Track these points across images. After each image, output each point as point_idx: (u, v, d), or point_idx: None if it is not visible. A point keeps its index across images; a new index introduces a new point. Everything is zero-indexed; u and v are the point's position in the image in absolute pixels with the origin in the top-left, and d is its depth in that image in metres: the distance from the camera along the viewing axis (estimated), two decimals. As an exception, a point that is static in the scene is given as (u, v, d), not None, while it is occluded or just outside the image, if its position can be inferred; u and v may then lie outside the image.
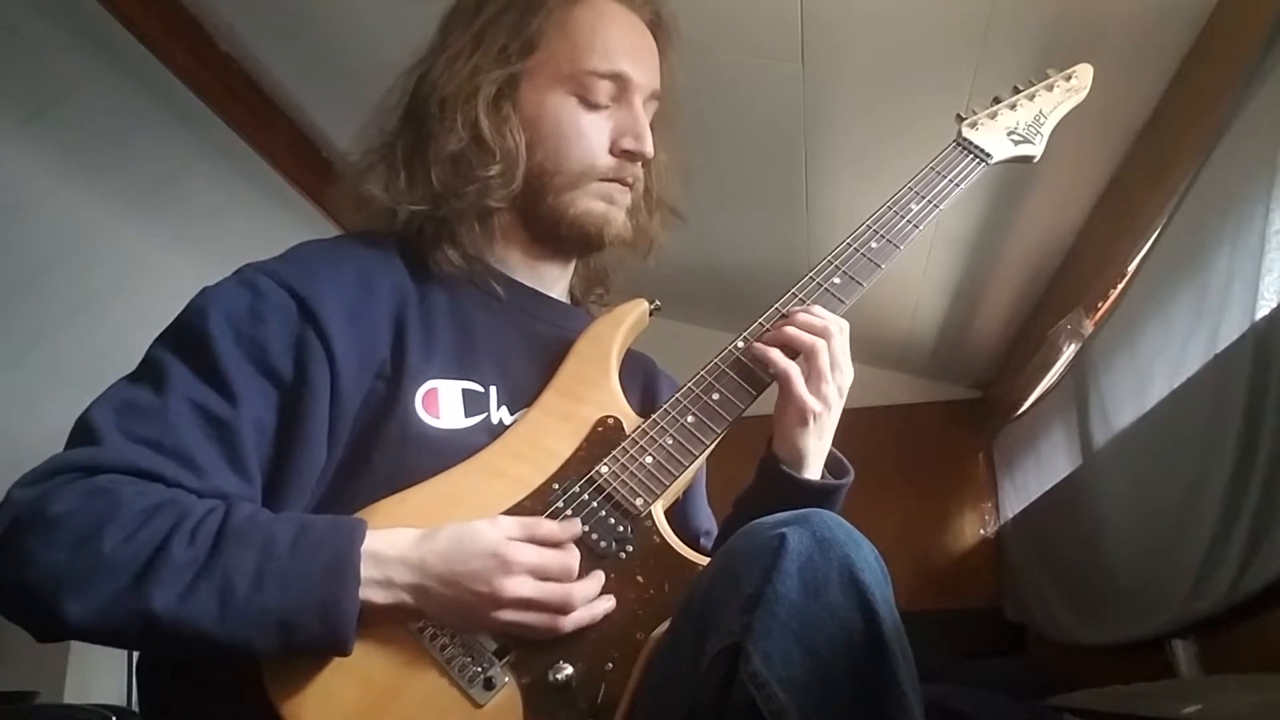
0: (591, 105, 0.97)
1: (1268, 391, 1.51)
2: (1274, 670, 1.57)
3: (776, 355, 0.92)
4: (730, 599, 0.66)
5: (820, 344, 0.91)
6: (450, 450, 0.85)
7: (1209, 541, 1.69)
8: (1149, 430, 2.07)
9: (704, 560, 0.81)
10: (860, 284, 0.98)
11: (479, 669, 0.76)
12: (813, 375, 0.92)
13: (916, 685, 0.63)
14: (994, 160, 1.09)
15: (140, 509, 0.72)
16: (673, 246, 1.10)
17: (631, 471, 0.86)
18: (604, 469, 0.86)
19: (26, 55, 2.19)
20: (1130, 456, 2.18)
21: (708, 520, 1.09)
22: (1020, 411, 3.24)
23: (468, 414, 0.89)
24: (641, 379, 1.07)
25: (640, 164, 1.00)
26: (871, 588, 0.64)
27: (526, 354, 0.96)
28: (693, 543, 0.93)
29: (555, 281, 1.04)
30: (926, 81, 2.05)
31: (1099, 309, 2.50)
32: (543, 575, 0.77)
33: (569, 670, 0.76)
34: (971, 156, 1.08)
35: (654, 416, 0.89)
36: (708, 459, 0.93)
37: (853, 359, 0.94)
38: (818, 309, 0.94)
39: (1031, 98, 1.15)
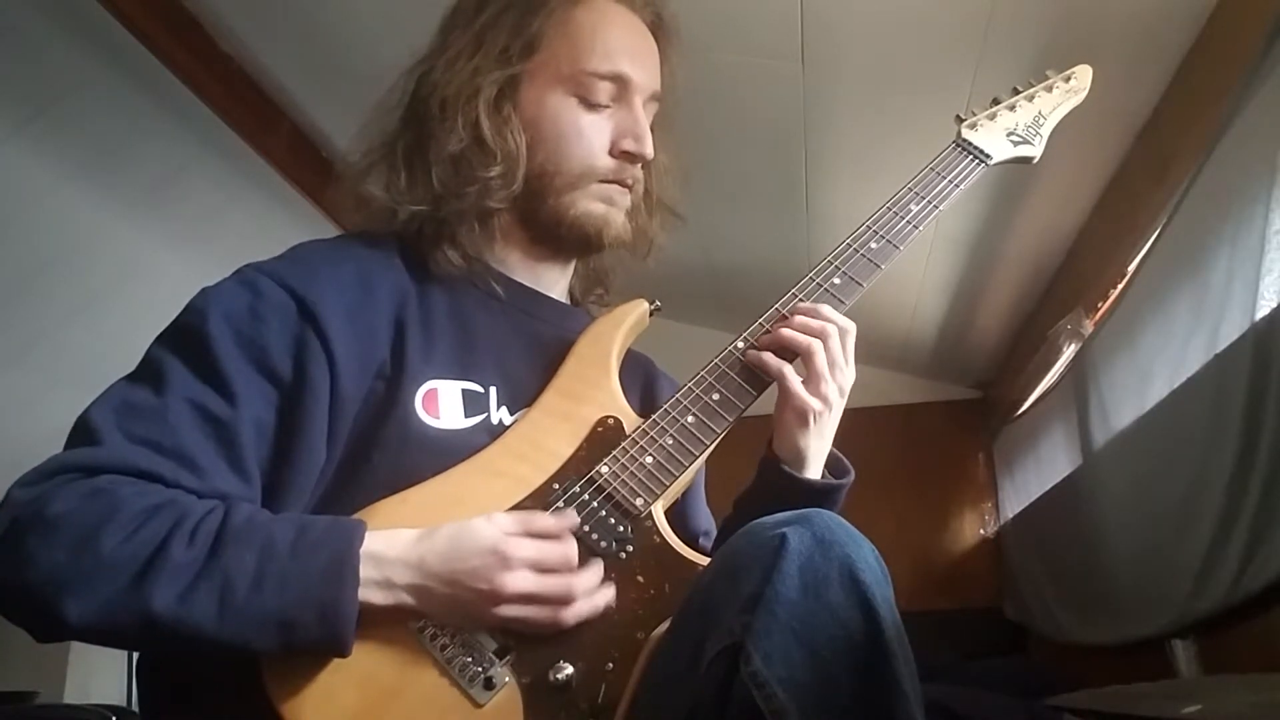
0: (592, 106, 0.97)
1: (1268, 391, 1.51)
2: (1274, 670, 1.57)
3: (770, 359, 0.92)
4: (730, 599, 0.66)
5: (816, 344, 0.91)
6: (450, 450, 0.85)
7: (1209, 541, 1.69)
8: (1149, 430, 2.07)
9: (704, 560, 0.81)
10: (860, 284, 0.98)
11: (479, 669, 0.76)
12: (811, 375, 0.92)
13: (916, 685, 0.64)
14: (993, 161, 1.09)
15: (140, 509, 0.72)
16: (672, 247, 1.10)
17: (631, 471, 0.86)
18: (604, 469, 0.86)
19: (26, 55, 2.19)
20: (1130, 456, 2.18)
21: (707, 520, 1.09)
22: (1020, 411, 3.24)
23: (468, 414, 0.89)
24: (641, 379, 1.07)
25: (640, 165, 1.00)
26: (872, 587, 0.64)
27: (526, 354, 0.96)
28: (692, 543, 0.93)
29: (555, 282, 1.04)
30: (926, 81, 2.05)
31: (1099, 309, 2.51)
32: (542, 568, 0.77)
33: (569, 670, 0.76)
34: (971, 157, 1.08)
35: (654, 417, 0.89)
36: (708, 459, 0.93)
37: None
38: (824, 308, 0.94)
39: (1031, 99, 1.15)
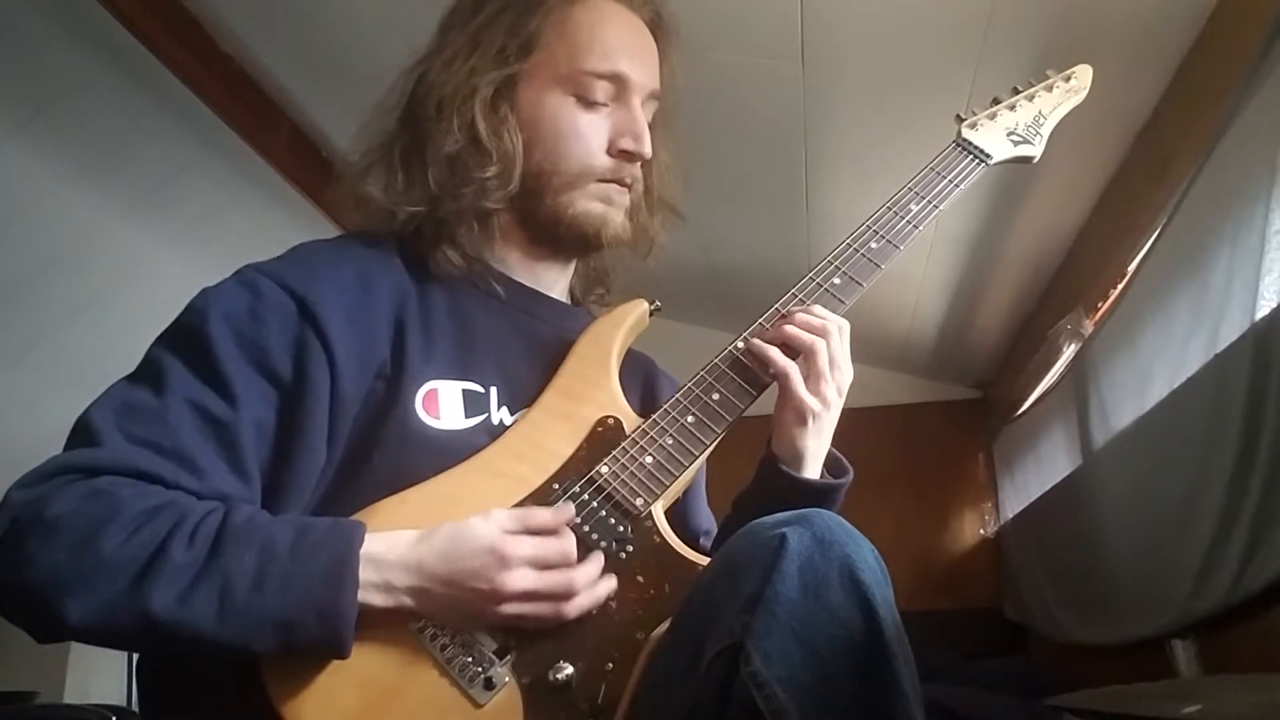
0: (590, 105, 0.97)
1: (1268, 391, 1.51)
2: (1274, 670, 1.57)
3: (776, 354, 0.92)
4: (730, 599, 0.66)
5: (820, 343, 0.91)
6: (450, 451, 0.85)
7: (1209, 541, 1.69)
8: (1149, 430, 2.07)
9: (704, 560, 0.81)
10: (860, 284, 0.98)
11: (479, 669, 0.76)
12: (812, 375, 0.92)
13: (916, 685, 0.64)
14: (993, 161, 1.09)
15: (139, 510, 0.72)
16: (673, 246, 1.10)
17: (631, 471, 0.86)
18: (604, 469, 0.86)
19: (26, 55, 2.19)
20: (1130, 456, 2.18)
21: (708, 520, 1.09)
22: (1020, 411, 3.24)
23: (468, 414, 0.89)
24: (642, 379, 1.07)
25: (639, 164, 1.00)
26: (871, 587, 0.64)
27: (526, 354, 0.96)
28: (692, 543, 0.92)
29: (555, 282, 1.04)
30: (926, 81, 2.05)
31: (1099, 309, 2.51)
32: (542, 564, 0.77)
33: (569, 670, 0.76)
34: (971, 157, 1.08)
35: (654, 417, 0.89)
36: (708, 459, 0.93)
37: (853, 359, 0.94)
38: (817, 309, 0.94)
39: (1031, 98, 1.15)
